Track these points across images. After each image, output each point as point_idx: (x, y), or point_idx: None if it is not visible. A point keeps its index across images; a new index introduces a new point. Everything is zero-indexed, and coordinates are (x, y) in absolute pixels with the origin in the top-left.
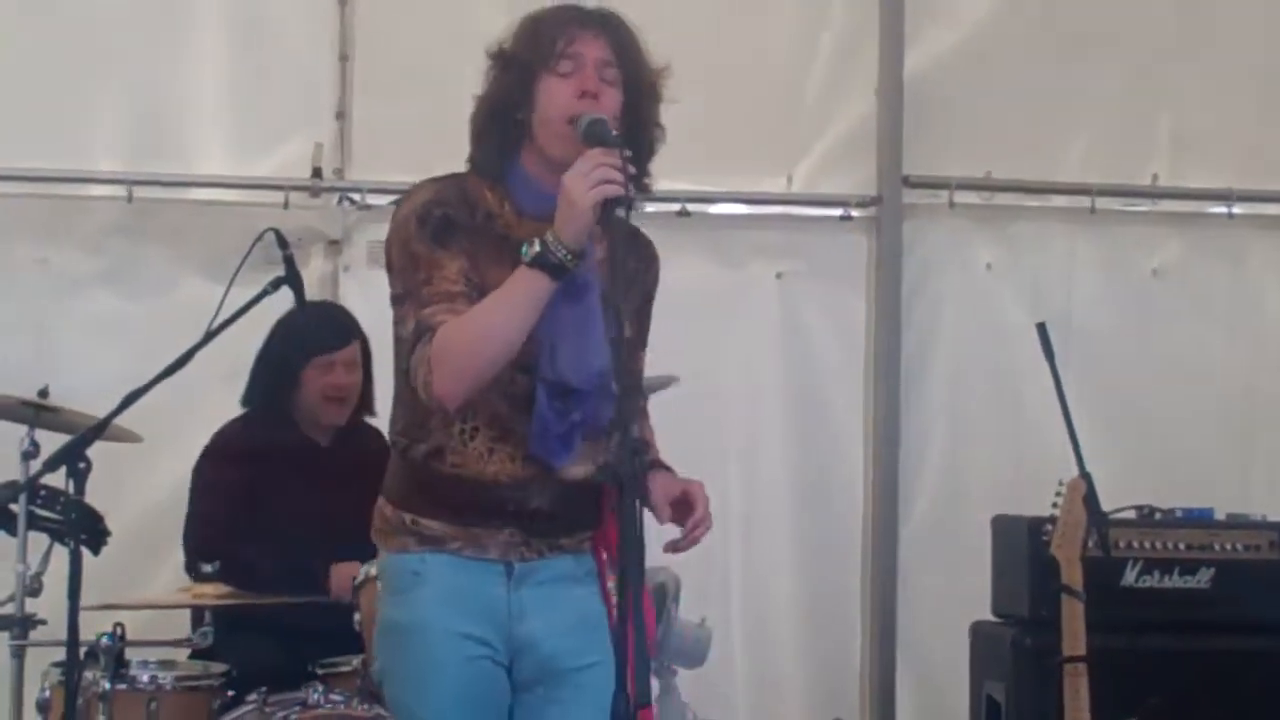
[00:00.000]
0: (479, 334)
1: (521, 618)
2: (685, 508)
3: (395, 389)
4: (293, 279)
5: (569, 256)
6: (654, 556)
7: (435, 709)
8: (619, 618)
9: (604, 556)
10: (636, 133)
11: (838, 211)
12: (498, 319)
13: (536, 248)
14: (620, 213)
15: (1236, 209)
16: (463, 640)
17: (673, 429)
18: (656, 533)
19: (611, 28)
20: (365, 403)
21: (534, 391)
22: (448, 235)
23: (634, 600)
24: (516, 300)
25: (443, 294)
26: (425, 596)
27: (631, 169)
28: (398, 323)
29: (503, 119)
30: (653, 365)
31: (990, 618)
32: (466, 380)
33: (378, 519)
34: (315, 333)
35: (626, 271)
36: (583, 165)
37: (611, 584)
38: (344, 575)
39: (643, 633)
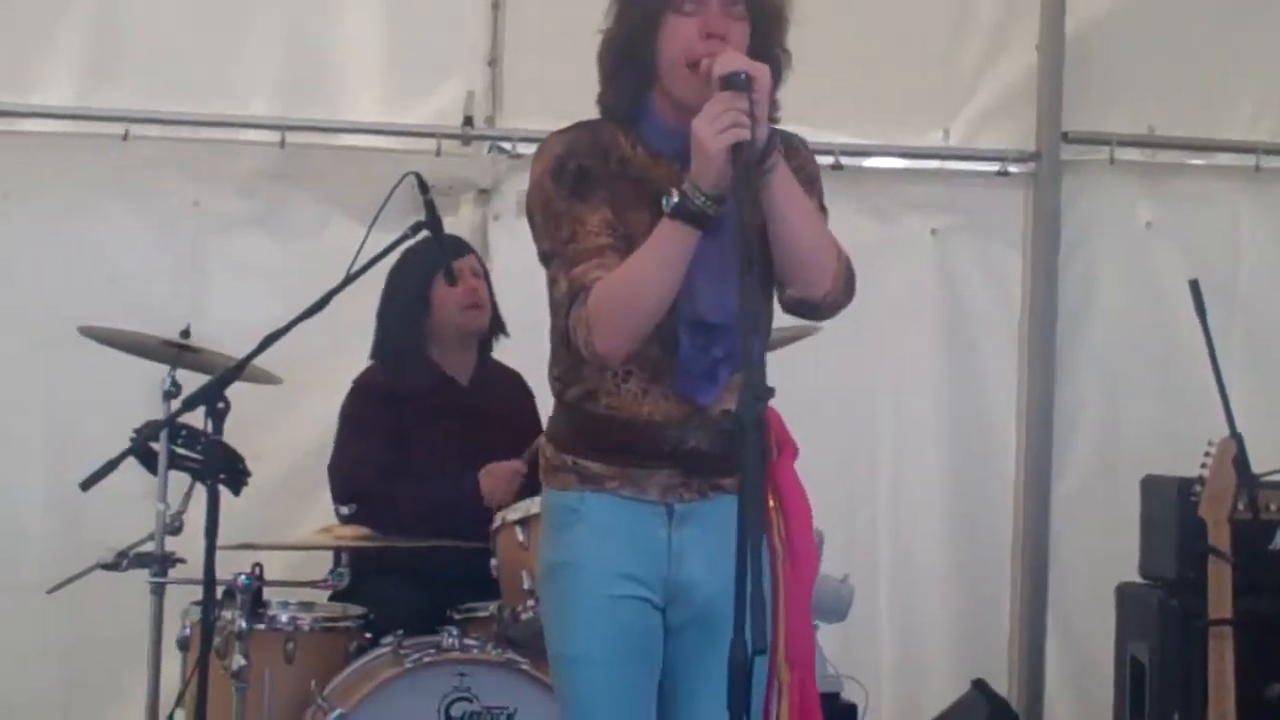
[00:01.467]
0: (632, 290)
1: (681, 560)
2: None
3: (552, 343)
4: (433, 223)
5: (708, 203)
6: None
7: (582, 646)
8: (737, 564)
9: (770, 501)
10: (763, 61)
11: (995, 167)
12: (648, 272)
13: (675, 198)
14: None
15: None
16: (616, 578)
17: (824, 384)
18: (814, 491)
19: None
20: (496, 315)
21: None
22: (585, 187)
23: (753, 549)
24: (664, 252)
25: (591, 249)
26: (582, 534)
27: (757, 110)
28: (550, 282)
29: (629, 59)
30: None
31: (1137, 579)
32: (626, 337)
33: (542, 459)
34: (434, 249)
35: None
36: (711, 108)
37: (778, 529)
38: (492, 475)
39: (760, 580)
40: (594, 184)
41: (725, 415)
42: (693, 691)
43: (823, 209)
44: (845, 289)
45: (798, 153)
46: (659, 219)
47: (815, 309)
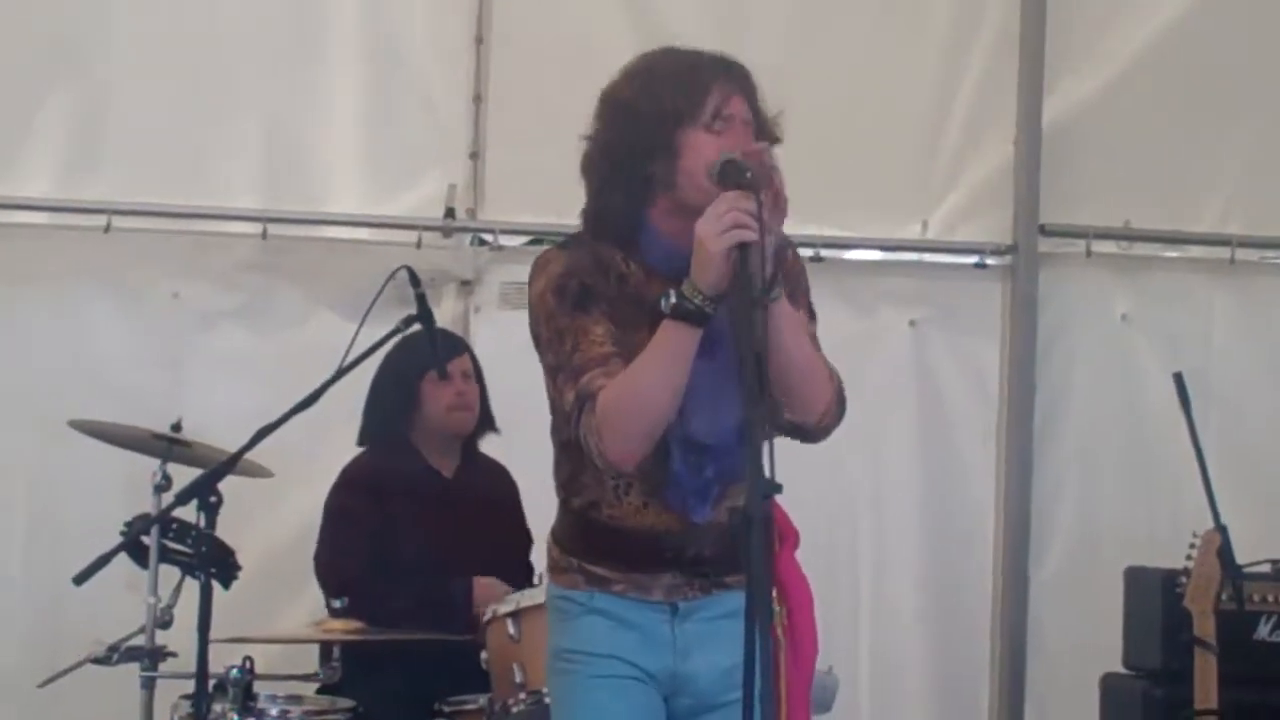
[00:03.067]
0: (637, 394)
1: (686, 654)
2: None
3: (554, 451)
4: (425, 317)
5: (706, 302)
6: None
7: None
8: (745, 657)
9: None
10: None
11: (973, 259)
12: (652, 376)
13: (673, 298)
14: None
15: None
16: (626, 665)
17: (801, 474)
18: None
19: (744, 79)
20: (485, 415)
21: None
22: (588, 302)
23: (760, 638)
24: (665, 354)
25: (595, 358)
26: (592, 623)
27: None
28: (557, 394)
29: (631, 170)
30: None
31: (1121, 670)
32: (637, 441)
33: (548, 557)
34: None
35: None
36: (716, 208)
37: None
38: (488, 588)
39: (769, 673)
40: (597, 299)
41: (733, 511)
42: None
43: (812, 315)
44: (838, 413)
45: (785, 256)
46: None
47: (809, 434)
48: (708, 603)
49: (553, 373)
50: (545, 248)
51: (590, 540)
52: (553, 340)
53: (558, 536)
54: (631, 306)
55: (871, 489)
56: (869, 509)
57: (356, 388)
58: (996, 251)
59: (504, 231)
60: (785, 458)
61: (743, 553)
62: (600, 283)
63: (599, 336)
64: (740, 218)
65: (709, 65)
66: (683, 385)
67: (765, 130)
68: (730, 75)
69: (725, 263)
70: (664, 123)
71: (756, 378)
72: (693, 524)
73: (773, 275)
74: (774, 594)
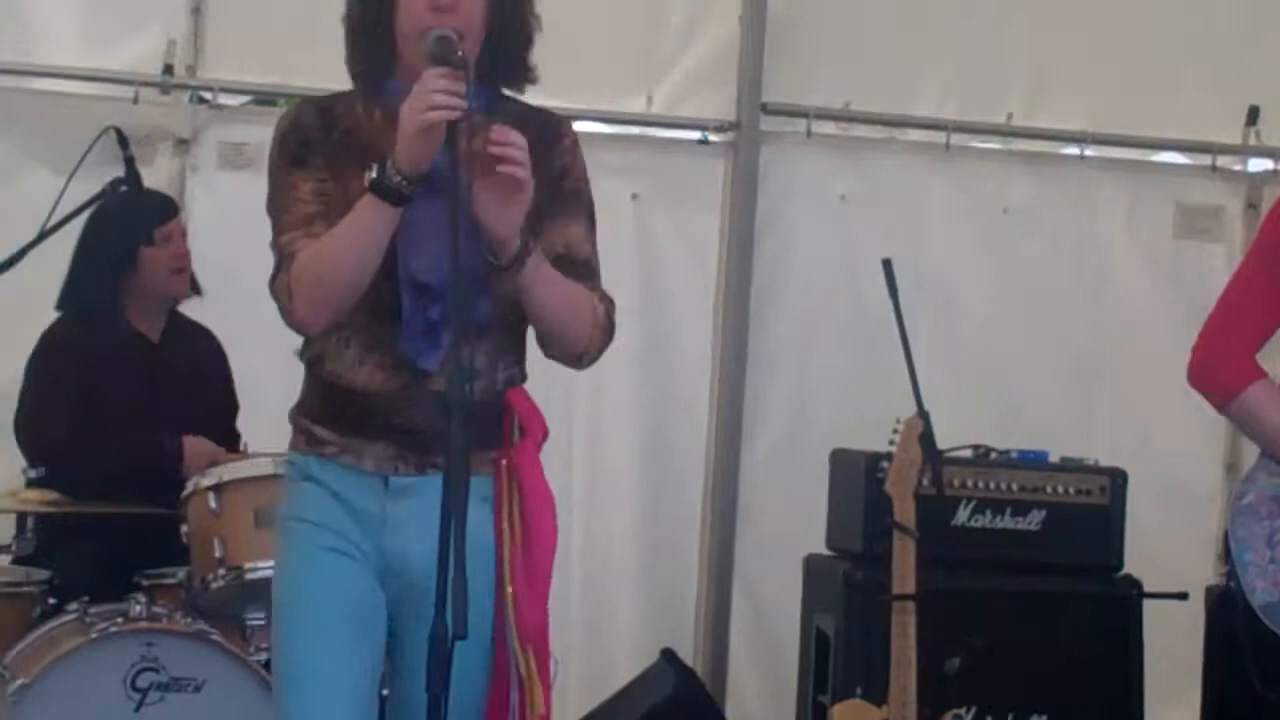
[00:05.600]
0: (329, 261)
1: (396, 532)
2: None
3: None
4: (131, 179)
5: (405, 184)
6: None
7: (298, 593)
8: (440, 546)
9: (503, 483)
10: (510, 28)
11: (696, 135)
12: (345, 245)
13: (373, 174)
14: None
15: (1089, 151)
16: (335, 535)
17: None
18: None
19: None
20: (193, 280)
21: (394, 299)
22: (305, 154)
23: (457, 530)
24: (362, 226)
25: (299, 218)
26: (309, 493)
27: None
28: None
29: (368, 32)
30: None
31: (825, 551)
32: (323, 307)
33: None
34: (150, 207)
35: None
36: (419, 87)
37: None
38: (197, 444)
39: (463, 566)
40: (313, 154)
41: (437, 396)
42: (404, 670)
43: (590, 216)
44: (604, 340)
45: (559, 142)
46: None
47: (575, 364)
48: (422, 483)
49: (272, 230)
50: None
51: (314, 398)
52: (271, 194)
53: (299, 396)
54: (356, 155)
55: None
56: (586, 382)
57: (65, 249)
58: (719, 128)
59: (224, 90)
60: None
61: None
62: (321, 136)
63: (305, 194)
64: (440, 97)
65: None
66: (374, 257)
67: None
68: None
69: (424, 142)
70: None
71: (459, 270)
72: (412, 383)
73: (520, 250)
74: (505, 484)
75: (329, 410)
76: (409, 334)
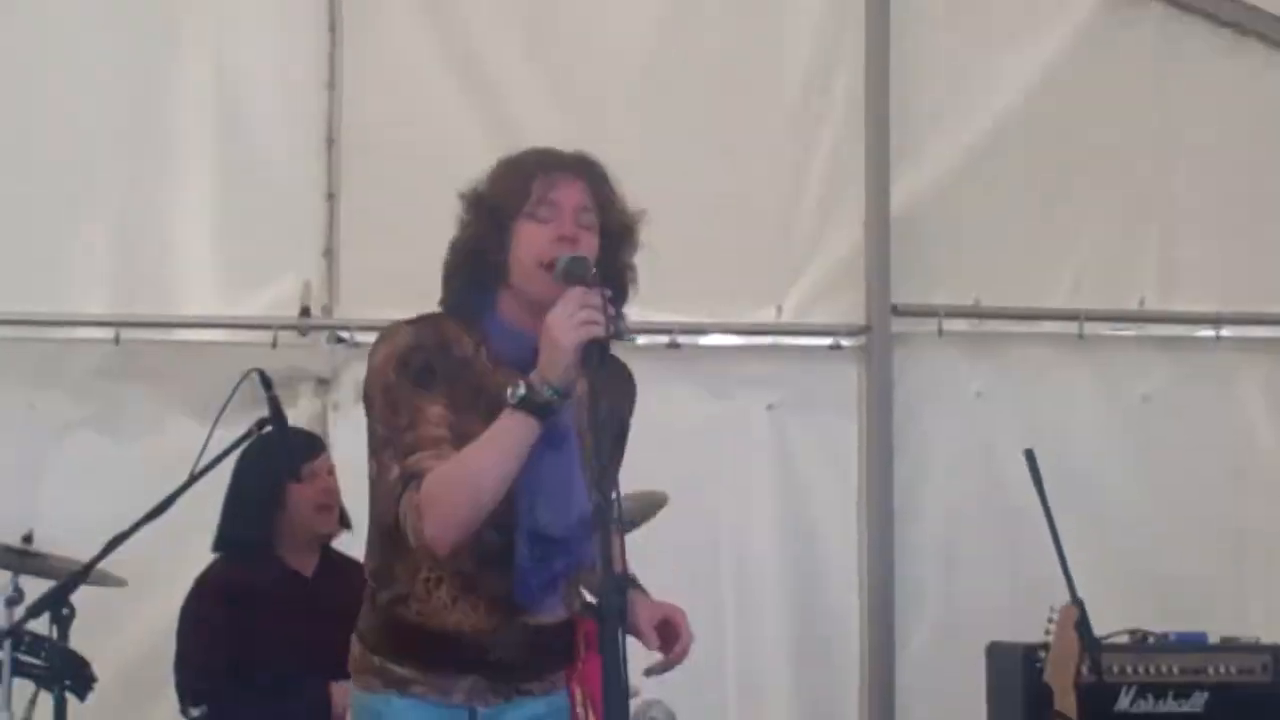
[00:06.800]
0: (467, 479)
1: None
2: (670, 631)
3: (369, 535)
4: (277, 419)
5: (555, 395)
6: (649, 688)
7: None
8: None
9: (575, 692)
10: (611, 276)
11: (827, 341)
12: (486, 463)
13: (521, 390)
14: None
15: (1224, 332)
16: None
17: (667, 559)
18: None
19: (588, 173)
20: (342, 513)
21: (500, 547)
22: (430, 380)
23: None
24: (504, 443)
25: (428, 439)
26: None
27: (611, 309)
28: (380, 468)
29: (477, 261)
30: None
31: None
32: (456, 525)
33: (350, 657)
34: (296, 445)
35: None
36: (566, 306)
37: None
38: (345, 691)
39: None
40: (438, 380)
41: (552, 620)
42: None
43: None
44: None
45: (630, 395)
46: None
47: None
48: (508, 708)
49: (381, 445)
50: None
51: (393, 637)
52: (386, 412)
53: (362, 633)
54: (470, 393)
55: (735, 574)
56: (733, 592)
57: (212, 493)
58: (850, 333)
59: (360, 328)
60: (650, 543)
61: (601, 648)
62: (444, 363)
63: (435, 418)
64: (591, 314)
65: (534, 157)
66: (513, 476)
67: (614, 217)
68: (564, 166)
69: (575, 357)
70: (495, 213)
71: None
72: (505, 623)
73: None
74: (579, 699)
75: (413, 649)
76: (525, 584)
